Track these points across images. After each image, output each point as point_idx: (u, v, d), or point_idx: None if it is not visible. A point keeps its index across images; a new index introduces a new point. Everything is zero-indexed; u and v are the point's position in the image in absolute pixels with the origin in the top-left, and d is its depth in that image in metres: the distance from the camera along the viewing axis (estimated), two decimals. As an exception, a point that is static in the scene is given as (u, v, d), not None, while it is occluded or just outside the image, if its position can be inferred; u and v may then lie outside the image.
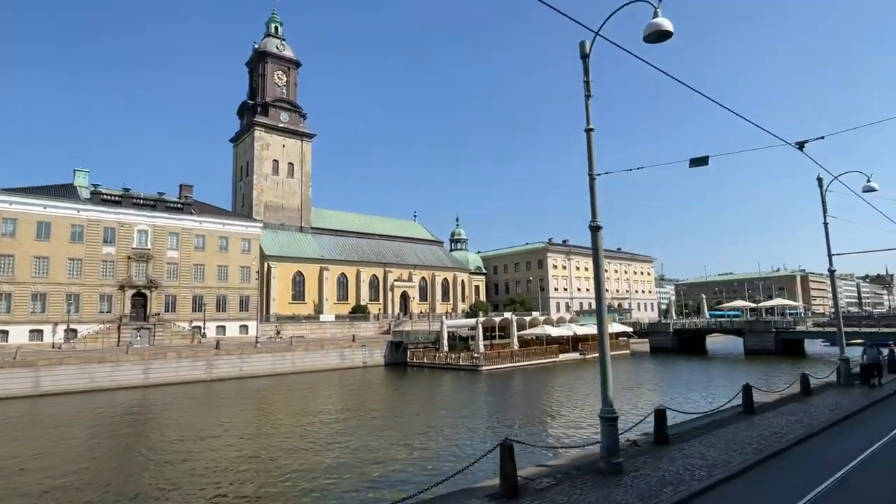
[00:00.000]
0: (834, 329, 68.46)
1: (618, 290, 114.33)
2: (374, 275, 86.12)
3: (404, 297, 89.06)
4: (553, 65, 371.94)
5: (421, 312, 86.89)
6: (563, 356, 55.99)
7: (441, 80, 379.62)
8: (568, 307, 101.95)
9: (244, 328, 63.79)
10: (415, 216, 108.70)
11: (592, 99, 9.80)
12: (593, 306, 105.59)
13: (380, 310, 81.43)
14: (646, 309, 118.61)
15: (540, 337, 57.54)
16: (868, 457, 10.75)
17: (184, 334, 57.51)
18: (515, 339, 54.58)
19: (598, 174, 9.50)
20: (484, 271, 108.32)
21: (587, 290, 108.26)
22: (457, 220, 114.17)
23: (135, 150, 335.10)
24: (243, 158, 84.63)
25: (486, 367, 48.39)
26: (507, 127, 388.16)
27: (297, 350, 50.69)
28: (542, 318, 61.71)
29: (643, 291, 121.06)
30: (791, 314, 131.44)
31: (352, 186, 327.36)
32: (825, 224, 21.06)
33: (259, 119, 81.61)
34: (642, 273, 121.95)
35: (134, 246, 57.78)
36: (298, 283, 77.75)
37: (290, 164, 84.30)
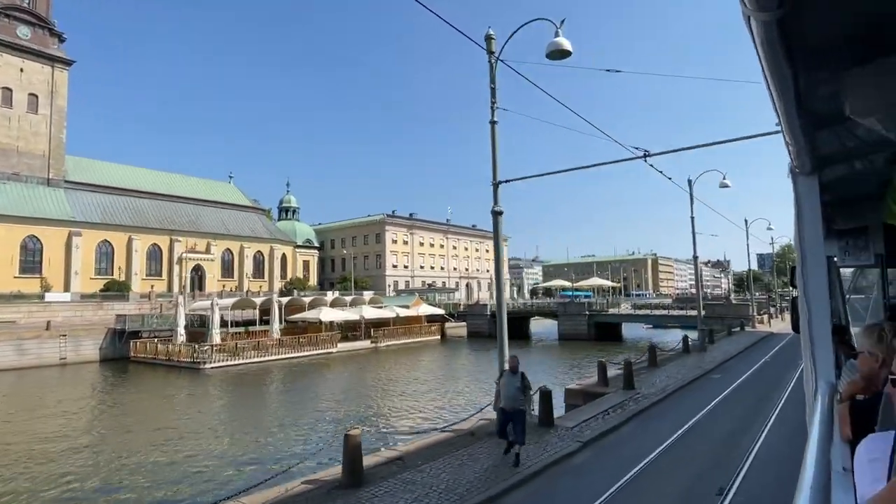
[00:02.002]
0: (655, 312, 65.41)
1: (467, 269, 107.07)
2: (156, 244, 69.21)
3: (199, 273, 73.26)
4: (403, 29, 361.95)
5: (229, 290, 71.72)
6: (343, 346, 45.13)
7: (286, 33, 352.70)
8: (408, 286, 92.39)
9: None
10: (230, 177, 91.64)
11: None
12: (438, 285, 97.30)
13: (152, 287, 65.08)
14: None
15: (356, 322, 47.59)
16: None
17: None
18: (276, 326, 42.49)
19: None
20: (317, 245, 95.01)
21: (431, 267, 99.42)
22: (287, 185, 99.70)
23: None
24: (-38, 83, 62.75)
25: (215, 365, 35.97)
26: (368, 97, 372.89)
27: (-70, 344, 34.48)
28: (328, 299, 50.35)
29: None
30: (639, 294, 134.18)
31: (170, 146, 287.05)
32: (492, 122, 11.03)
33: (-21, 29, 60.42)
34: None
35: None
36: (32, 252, 59.07)
37: (34, 95, 63.91)
